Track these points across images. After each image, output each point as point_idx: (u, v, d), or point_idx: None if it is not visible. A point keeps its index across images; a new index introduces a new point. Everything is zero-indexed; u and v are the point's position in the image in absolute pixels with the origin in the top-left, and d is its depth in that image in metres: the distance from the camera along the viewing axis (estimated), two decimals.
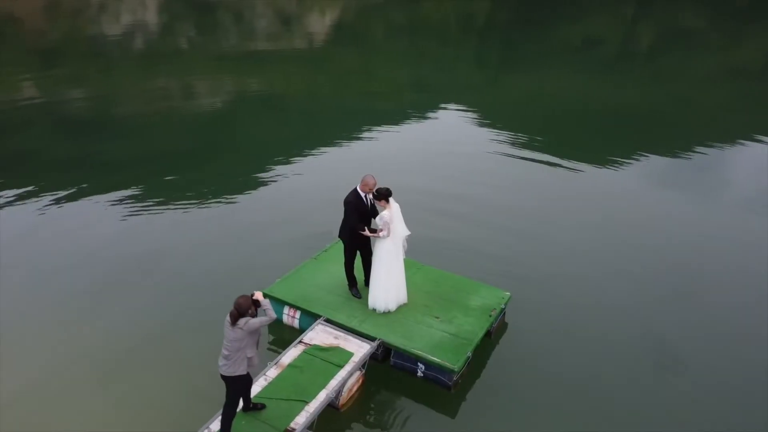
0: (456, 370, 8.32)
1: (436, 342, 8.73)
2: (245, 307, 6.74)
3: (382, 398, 8.63)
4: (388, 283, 9.10)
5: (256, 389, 7.89)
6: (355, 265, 9.63)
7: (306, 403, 7.73)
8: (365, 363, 8.60)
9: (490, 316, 9.34)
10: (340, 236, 9.35)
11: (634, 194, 15.58)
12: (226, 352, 6.82)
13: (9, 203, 13.97)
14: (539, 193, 15.31)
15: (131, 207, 13.98)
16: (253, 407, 7.61)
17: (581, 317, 10.40)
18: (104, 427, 7.88)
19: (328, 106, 23.07)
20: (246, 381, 7.13)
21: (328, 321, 9.11)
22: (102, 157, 16.96)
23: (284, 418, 7.52)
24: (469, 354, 8.61)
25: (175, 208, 14.00)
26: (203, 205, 14.18)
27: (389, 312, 9.28)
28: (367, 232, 8.93)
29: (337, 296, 9.59)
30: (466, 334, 8.92)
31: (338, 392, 8.08)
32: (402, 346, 8.65)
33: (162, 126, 20.28)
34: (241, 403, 7.49)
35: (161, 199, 14.38)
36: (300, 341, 8.72)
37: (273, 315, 6.86)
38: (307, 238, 12.08)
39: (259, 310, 6.94)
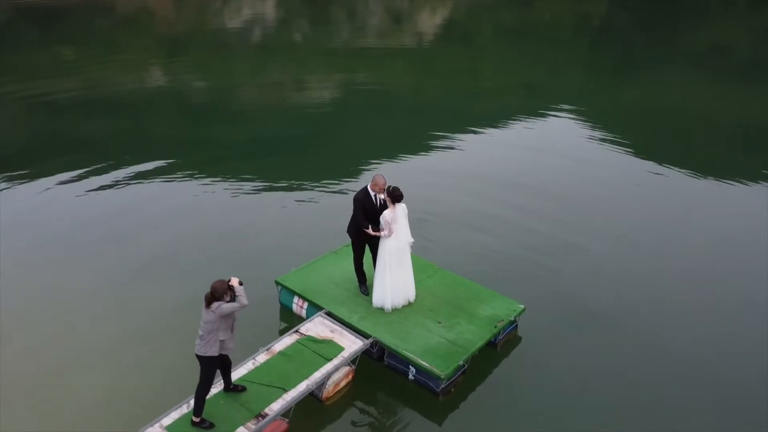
0: (443, 377, 8.19)
1: (430, 347, 8.63)
2: (220, 292, 7.05)
3: (370, 396, 8.66)
4: (392, 282, 9.11)
5: (241, 372, 8.23)
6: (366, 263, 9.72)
7: (285, 391, 7.94)
8: (356, 359, 8.67)
9: (495, 327, 9.09)
10: (347, 232, 9.46)
11: (757, 216, 14.04)
12: (200, 333, 7.17)
13: (125, 175, 15.60)
14: (644, 206, 14.44)
15: (229, 185, 15.15)
16: (233, 388, 7.94)
17: (620, 347, 9.68)
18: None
19: (434, 105, 22.99)
20: (219, 363, 7.43)
21: (329, 314, 9.27)
22: (214, 139, 18.37)
23: (260, 402, 7.78)
24: (462, 362, 8.44)
25: (269, 190, 14.92)
26: (295, 191, 14.88)
27: (396, 309, 9.28)
28: (370, 231, 8.99)
29: (344, 291, 9.72)
30: (464, 342, 8.74)
31: (321, 385, 8.21)
32: (394, 347, 8.63)
33: (272, 115, 21.36)
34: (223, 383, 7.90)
35: (259, 181, 15.35)
36: (296, 330, 8.95)
37: (244, 302, 7.11)
38: None
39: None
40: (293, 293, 9.78)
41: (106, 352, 9.28)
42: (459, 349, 8.62)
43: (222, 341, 7.22)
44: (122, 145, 17.63)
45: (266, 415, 7.59)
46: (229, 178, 15.47)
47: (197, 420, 7.43)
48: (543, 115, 21.34)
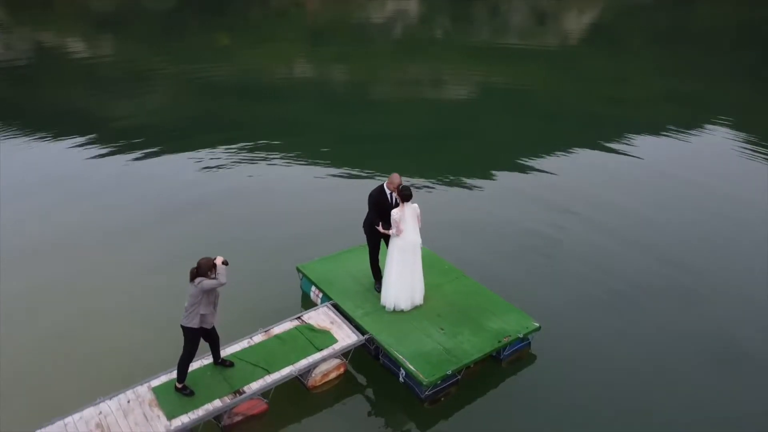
0: (425, 383, 8.00)
1: (423, 352, 8.45)
2: (204, 268, 7.47)
3: (358, 392, 8.67)
4: (399, 282, 9.03)
5: (235, 348, 8.62)
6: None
7: (268, 372, 8.20)
8: (349, 353, 8.72)
9: (499, 342, 8.70)
10: (363, 228, 9.50)
11: None
12: (186, 304, 7.62)
13: (266, 158, 16.89)
14: None
15: (348, 176, 15.67)
16: (221, 363, 8.34)
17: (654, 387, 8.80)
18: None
19: (572, 109, 21.96)
20: (202, 335, 7.82)
21: (336, 306, 9.38)
22: (347, 130, 19.32)
23: (242, 379, 8.10)
24: (450, 372, 8.18)
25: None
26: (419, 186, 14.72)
27: (402, 311, 9.19)
28: (381, 229, 8.97)
29: (358, 285, 9.77)
30: (460, 352, 8.46)
31: (307, 373, 8.37)
32: (387, 346, 8.55)
33: (407, 110, 21.70)
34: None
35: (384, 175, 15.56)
36: (298, 317, 9.17)
37: (222, 280, 7.45)
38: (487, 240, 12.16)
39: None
40: (311, 281, 10.00)
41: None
42: (452, 358, 8.36)
43: (203, 315, 7.60)
44: (264, 128, 19.10)
45: (244, 392, 7.89)
46: (358, 169, 15.92)
47: (179, 386, 7.90)
48: (693, 131, 19.58)
